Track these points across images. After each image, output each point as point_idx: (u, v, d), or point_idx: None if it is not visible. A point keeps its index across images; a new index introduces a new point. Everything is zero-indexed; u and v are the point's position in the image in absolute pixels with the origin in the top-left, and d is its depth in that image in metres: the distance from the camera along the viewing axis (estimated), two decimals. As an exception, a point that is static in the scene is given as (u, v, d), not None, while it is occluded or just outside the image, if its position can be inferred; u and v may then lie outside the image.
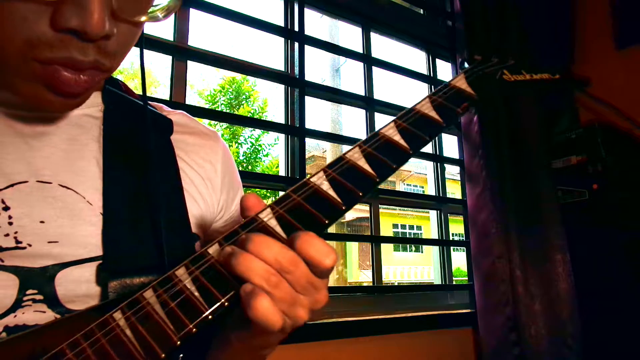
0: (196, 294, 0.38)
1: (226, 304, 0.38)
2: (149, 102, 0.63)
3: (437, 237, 1.72)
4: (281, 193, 1.42)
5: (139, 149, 0.54)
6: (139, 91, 0.62)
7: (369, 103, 1.61)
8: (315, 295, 0.41)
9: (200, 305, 0.38)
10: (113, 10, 0.39)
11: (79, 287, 0.45)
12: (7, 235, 0.43)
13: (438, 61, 1.88)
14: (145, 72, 0.54)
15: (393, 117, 0.55)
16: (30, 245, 0.43)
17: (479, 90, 0.61)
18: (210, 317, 0.37)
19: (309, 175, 0.48)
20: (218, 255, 0.41)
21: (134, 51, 0.55)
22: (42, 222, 0.45)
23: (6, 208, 0.44)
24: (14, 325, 0.41)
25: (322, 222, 0.43)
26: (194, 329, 0.37)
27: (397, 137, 0.52)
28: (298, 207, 0.44)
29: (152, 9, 0.44)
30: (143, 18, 0.43)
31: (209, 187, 0.60)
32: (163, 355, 0.35)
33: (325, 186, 0.46)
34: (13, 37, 0.37)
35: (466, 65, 0.67)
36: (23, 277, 0.43)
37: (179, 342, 0.36)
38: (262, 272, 0.37)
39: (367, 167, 0.48)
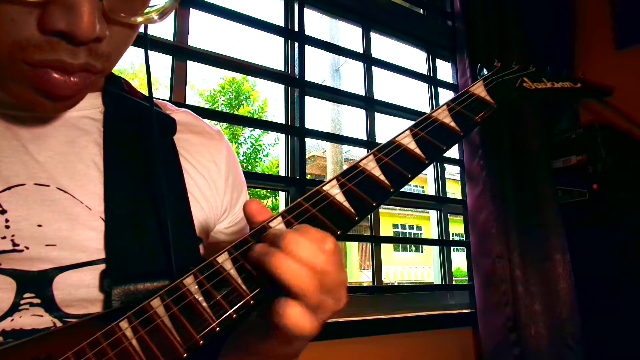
0: (204, 304, 0.38)
1: (234, 315, 0.37)
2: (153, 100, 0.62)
3: (437, 237, 1.72)
4: (281, 193, 1.42)
5: (141, 151, 0.53)
6: (141, 90, 0.61)
7: (369, 103, 1.61)
8: (342, 295, 0.41)
9: (208, 316, 0.37)
10: (104, 11, 0.38)
11: (77, 292, 0.44)
12: (4, 238, 0.42)
13: (438, 61, 1.88)
14: (151, 73, 0.53)
15: (410, 124, 0.54)
16: (27, 248, 0.43)
17: (499, 98, 0.59)
18: (217, 329, 0.37)
19: (321, 183, 0.47)
20: (255, 254, 0.39)
21: (137, 51, 0.55)
22: (39, 225, 0.44)
23: (3, 211, 0.43)
24: (10, 329, 0.41)
25: (334, 232, 0.42)
26: (201, 341, 0.36)
27: (413, 146, 0.51)
28: (309, 217, 0.43)
29: (148, 10, 0.43)
30: (138, 19, 0.42)
31: (212, 188, 0.59)
32: None
33: (338, 195, 0.45)
34: (1, 38, 0.37)
35: (485, 71, 0.65)
36: (20, 280, 0.42)
37: (185, 354, 0.35)
38: (305, 277, 0.36)
39: (381, 176, 0.47)
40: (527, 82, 0.65)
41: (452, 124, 0.54)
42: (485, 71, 0.66)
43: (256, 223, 0.43)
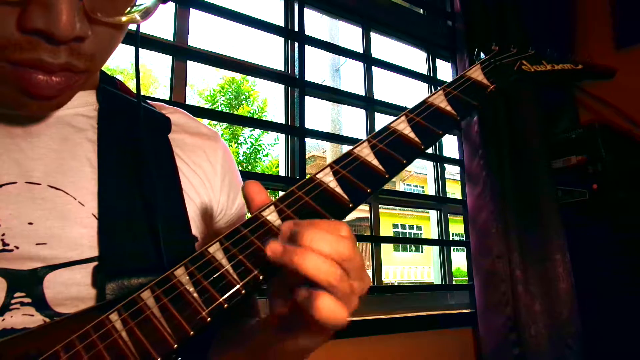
0: (195, 295, 0.37)
1: (225, 305, 0.37)
2: (149, 101, 0.62)
3: (437, 237, 1.72)
4: (281, 193, 1.42)
5: (134, 148, 0.53)
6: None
7: (369, 103, 1.60)
8: (365, 280, 0.40)
9: (199, 306, 0.37)
10: (86, 11, 0.38)
11: (69, 290, 0.44)
12: None
13: (438, 61, 1.87)
14: (139, 71, 0.53)
15: (402, 113, 0.53)
16: (17, 247, 0.42)
17: (497, 81, 0.58)
18: (208, 319, 0.36)
19: (315, 171, 0.46)
20: (273, 253, 0.38)
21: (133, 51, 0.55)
22: (30, 223, 0.44)
23: None
24: (1, 328, 0.41)
25: (327, 219, 0.41)
26: (192, 332, 0.36)
27: (408, 131, 0.50)
28: (303, 205, 0.42)
29: (135, 8, 0.43)
30: (122, 19, 0.42)
31: (207, 187, 0.59)
32: (159, 359, 0.34)
33: (332, 182, 0.44)
34: None
35: (482, 55, 0.64)
36: (11, 279, 0.42)
37: (175, 345, 0.35)
38: (328, 269, 0.36)
39: (376, 162, 0.46)
40: (526, 65, 0.64)
41: (448, 108, 0.53)
42: (482, 55, 0.65)
43: (254, 205, 0.43)
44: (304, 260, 0.35)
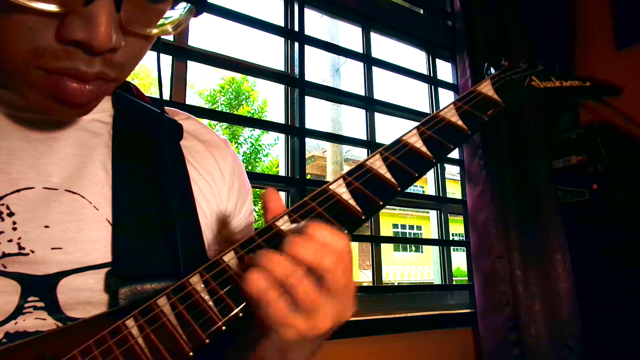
0: (210, 303, 0.38)
1: (240, 314, 0.37)
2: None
3: (437, 237, 1.73)
4: (281, 193, 1.42)
5: (149, 154, 0.54)
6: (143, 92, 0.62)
7: (369, 103, 1.61)
8: (348, 302, 0.40)
9: (214, 315, 0.37)
10: (121, 22, 0.39)
11: (81, 295, 0.44)
12: (10, 240, 0.43)
13: (438, 61, 1.88)
14: (161, 78, 0.54)
15: (414, 126, 0.54)
16: (32, 252, 0.43)
17: (507, 97, 0.60)
18: (223, 327, 0.37)
19: (327, 182, 0.47)
20: (236, 267, 0.40)
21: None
22: (46, 226, 0.44)
23: (11, 214, 0.43)
24: (14, 331, 0.41)
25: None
26: (207, 340, 0.36)
27: (420, 145, 0.51)
28: (315, 216, 0.43)
29: (162, 21, 0.43)
30: (154, 31, 0.42)
31: (216, 195, 0.59)
32: None
33: (345, 194, 0.45)
34: (18, 45, 0.37)
35: (492, 70, 0.65)
36: (25, 283, 0.42)
37: (191, 353, 0.36)
38: (273, 281, 0.36)
39: (388, 175, 0.47)
40: (536, 81, 0.65)
41: (459, 122, 0.54)
42: (492, 70, 0.66)
43: (269, 212, 0.44)
44: (245, 282, 0.37)
